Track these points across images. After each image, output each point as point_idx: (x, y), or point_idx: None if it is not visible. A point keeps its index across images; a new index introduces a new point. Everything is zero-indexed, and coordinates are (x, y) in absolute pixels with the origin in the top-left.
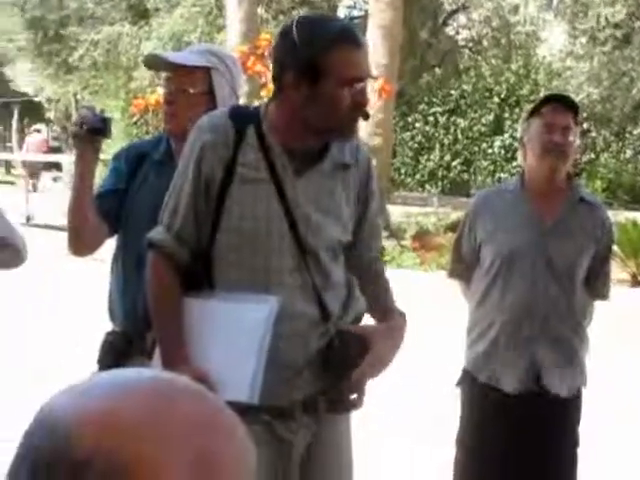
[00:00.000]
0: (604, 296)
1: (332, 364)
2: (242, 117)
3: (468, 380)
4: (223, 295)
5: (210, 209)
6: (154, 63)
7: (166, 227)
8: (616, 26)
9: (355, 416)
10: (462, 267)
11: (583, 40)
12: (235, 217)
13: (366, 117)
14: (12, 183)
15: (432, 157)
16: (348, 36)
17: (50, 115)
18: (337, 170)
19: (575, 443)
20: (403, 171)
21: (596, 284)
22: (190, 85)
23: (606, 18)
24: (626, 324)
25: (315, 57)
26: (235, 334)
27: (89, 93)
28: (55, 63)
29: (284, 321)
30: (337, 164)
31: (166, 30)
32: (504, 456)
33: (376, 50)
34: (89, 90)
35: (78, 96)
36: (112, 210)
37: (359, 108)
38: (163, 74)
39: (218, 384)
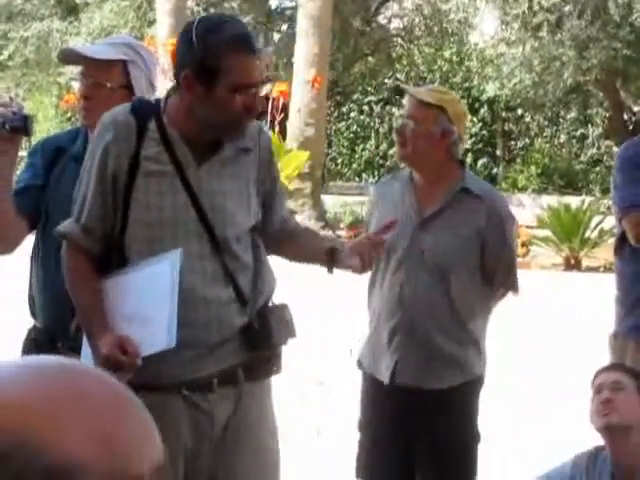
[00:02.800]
0: (509, 287)
1: (252, 344)
2: (143, 111)
3: (360, 365)
4: (131, 267)
5: (118, 202)
6: (69, 57)
7: (75, 219)
8: (548, 10)
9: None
10: None
11: (515, 25)
12: (143, 209)
13: (260, 118)
14: None
15: (368, 146)
16: (242, 43)
17: None
18: (239, 155)
19: (459, 437)
20: (339, 161)
21: (494, 278)
22: (107, 79)
23: (539, 3)
24: (558, 308)
25: (209, 61)
26: (145, 293)
27: (23, 91)
28: None
29: (199, 306)
30: (238, 149)
31: (96, 25)
32: (390, 446)
33: (307, 40)
34: (22, 88)
35: (12, 94)
36: (31, 206)
37: (250, 112)
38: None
39: (138, 344)
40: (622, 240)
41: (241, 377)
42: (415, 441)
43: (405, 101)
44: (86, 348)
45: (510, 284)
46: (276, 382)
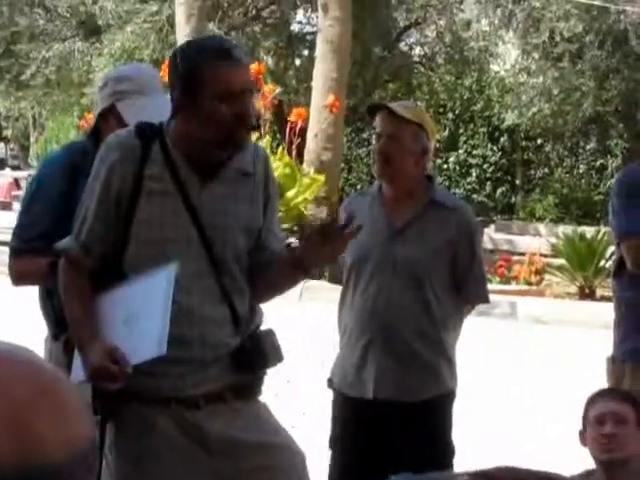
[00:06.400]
0: (480, 300)
1: (244, 365)
2: (147, 134)
3: (330, 384)
4: (127, 281)
5: (120, 222)
6: None
7: (74, 237)
8: (569, 41)
9: None
10: (339, 271)
11: (535, 55)
12: (144, 227)
13: (255, 128)
14: None
15: None
16: (219, 52)
17: (7, 133)
18: (240, 178)
19: (436, 451)
20: (359, 187)
21: (467, 288)
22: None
23: (560, 33)
24: (573, 335)
25: (190, 74)
26: (138, 305)
27: (45, 110)
28: (6, 80)
29: (195, 323)
30: (239, 172)
31: (117, 46)
32: (364, 462)
33: (326, 65)
34: (42, 107)
35: (35, 115)
36: None
37: (241, 120)
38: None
39: (129, 352)
40: (620, 265)
41: (229, 397)
42: (390, 456)
43: (379, 119)
44: (77, 361)
45: (481, 295)
46: None
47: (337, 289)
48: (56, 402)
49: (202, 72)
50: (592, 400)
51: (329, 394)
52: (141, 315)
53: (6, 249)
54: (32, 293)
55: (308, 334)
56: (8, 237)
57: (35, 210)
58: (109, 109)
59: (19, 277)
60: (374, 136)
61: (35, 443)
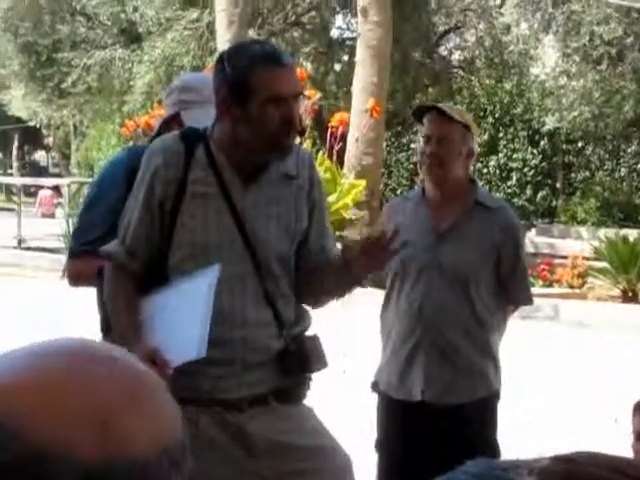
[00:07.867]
0: (524, 301)
1: (287, 368)
2: (192, 138)
3: (375, 387)
4: (169, 284)
5: (165, 225)
6: None
7: (120, 241)
8: (609, 43)
9: None
10: (380, 274)
11: (576, 58)
12: (188, 230)
13: (301, 133)
14: (12, 210)
15: None
16: (267, 57)
17: (49, 141)
18: (283, 180)
19: (483, 452)
20: (399, 191)
21: (510, 289)
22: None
23: (600, 36)
24: (616, 338)
25: (239, 79)
26: (181, 307)
27: (87, 119)
28: (49, 88)
29: (237, 326)
30: (283, 174)
31: (158, 54)
32: (413, 463)
33: (366, 70)
34: (84, 115)
35: (76, 123)
36: None
37: (288, 125)
38: (156, 97)
39: (169, 354)
40: None
41: (272, 400)
42: (437, 457)
43: (428, 121)
44: None
45: (524, 297)
46: None
47: (374, 292)
48: (143, 397)
49: (253, 78)
50: (638, 408)
51: (369, 397)
52: (182, 318)
53: (51, 255)
54: (89, 293)
55: (349, 338)
56: (53, 244)
57: (94, 213)
58: (174, 116)
59: (76, 278)
60: (421, 138)
61: (120, 437)
